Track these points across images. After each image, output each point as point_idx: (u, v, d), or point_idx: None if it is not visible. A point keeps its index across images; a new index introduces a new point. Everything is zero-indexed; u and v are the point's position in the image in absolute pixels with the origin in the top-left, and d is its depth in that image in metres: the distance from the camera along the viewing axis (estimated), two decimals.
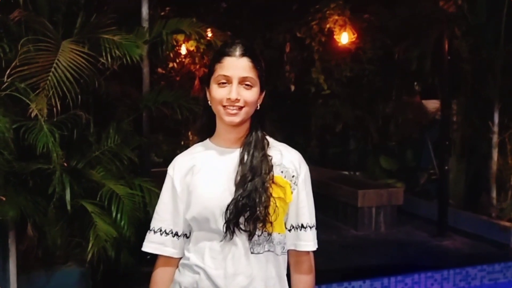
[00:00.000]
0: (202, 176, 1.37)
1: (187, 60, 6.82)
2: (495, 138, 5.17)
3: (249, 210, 1.29)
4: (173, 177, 1.41)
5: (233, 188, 1.33)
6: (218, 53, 1.36)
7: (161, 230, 1.40)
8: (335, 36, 6.09)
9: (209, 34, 5.49)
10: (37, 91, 2.52)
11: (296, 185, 1.38)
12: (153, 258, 1.39)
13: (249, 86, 1.32)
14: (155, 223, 1.42)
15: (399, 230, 5.53)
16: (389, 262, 4.56)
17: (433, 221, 5.49)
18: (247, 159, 1.34)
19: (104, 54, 2.85)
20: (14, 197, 2.61)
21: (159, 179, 1.59)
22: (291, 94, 7.41)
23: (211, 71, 1.35)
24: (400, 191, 5.69)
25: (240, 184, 1.32)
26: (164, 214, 1.41)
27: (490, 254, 4.75)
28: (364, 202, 5.43)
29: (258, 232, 1.32)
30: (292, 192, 1.37)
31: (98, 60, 2.83)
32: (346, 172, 7.26)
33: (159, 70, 6.51)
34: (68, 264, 3.28)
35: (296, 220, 1.39)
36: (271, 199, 1.32)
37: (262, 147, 1.37)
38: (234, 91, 1.29)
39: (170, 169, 1.43)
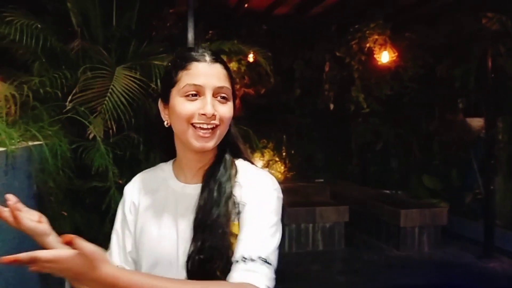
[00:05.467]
0: (152, 218, 1.11)
1: None
2: None
3: (218, 261, 0.99)
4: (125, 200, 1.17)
5: (189, 235, 1.03)
6: (181, 59, 1.05)
7: None
8: (375, 55, 6.12)
9: (251, 56, 5.66)
10: (95, 115, 2.72)
11: (239, 214, 1.03)
12: None
13: (225, 100, 1.03)
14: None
15: (443, 250, 5.41)
16: (433, 284, 4.47)
17: (479, 241, 5.34)
18: (208, 199, 1.04)
19: (154, 79, 3.03)
20: (70, 213, 2.80)
21: None
22: (331, 112, 7.48)
23: (171, 81, 1.04)
24: (444, 211, 5.58)
25: (200, 230, 1.02)
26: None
27: None
28: (407, 222, 5.36)
29: None
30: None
31: (149, 85, 3.01)
32: (388, 191, 7.18)
33: None
34: None
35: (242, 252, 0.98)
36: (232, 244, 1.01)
37: (228, 179, 1.06)
38: (210, 104, 1.00)
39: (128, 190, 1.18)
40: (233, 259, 0.97)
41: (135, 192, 1.14)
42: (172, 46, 3.88)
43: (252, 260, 0.94)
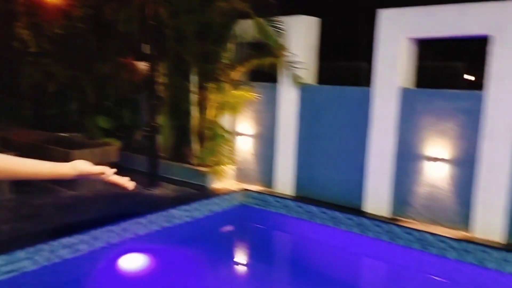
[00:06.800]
0: None
1: None
2: (193, 97, 5.95)
3: None
4: None
5: None
6: None
7: None
8: None
9: None
10: None
11: None
12: None
13: None
14: None
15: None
16: (105, 215, 4.81)
17: (148, 173, 6.00)
18: None
19: None
20: None
21: None
22: None
23: None
24: (114, 149, 5.96)
25: None
26: None
27: (192, 196, 5.56)
28: None
29: None
30: None
31: None
32: (65, 134, 7.09)
33: None
34: None
35: None
36: None
37: None
38: None
39: None
40: None
41: None
42: None
43: None
